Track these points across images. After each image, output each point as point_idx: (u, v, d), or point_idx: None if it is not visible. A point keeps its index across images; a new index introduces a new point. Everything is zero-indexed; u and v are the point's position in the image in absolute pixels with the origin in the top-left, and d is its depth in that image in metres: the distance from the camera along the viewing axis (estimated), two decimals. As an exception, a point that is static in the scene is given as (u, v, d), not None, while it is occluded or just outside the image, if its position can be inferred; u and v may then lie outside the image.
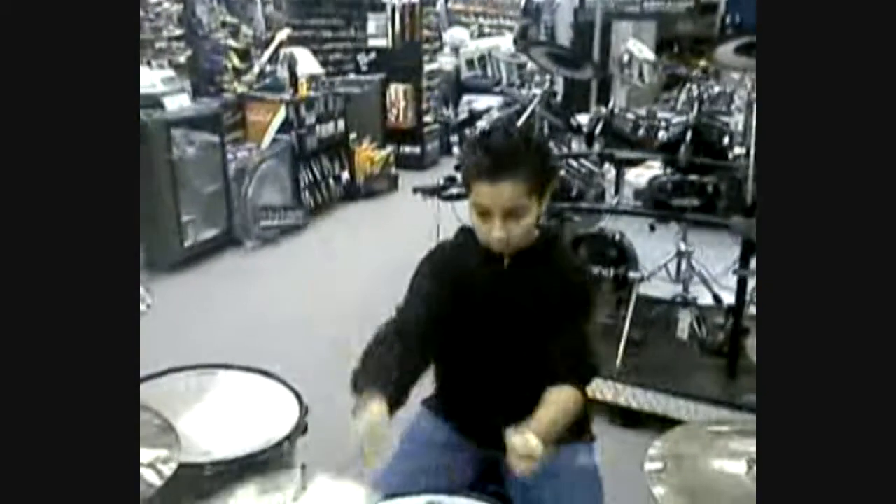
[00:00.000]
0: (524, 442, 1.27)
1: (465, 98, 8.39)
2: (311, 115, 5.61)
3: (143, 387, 1.55)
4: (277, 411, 1.52)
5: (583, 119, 3.68)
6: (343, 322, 3.75)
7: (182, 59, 5.00)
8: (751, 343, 2.87)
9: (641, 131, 3.17)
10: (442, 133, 8.01)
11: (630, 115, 3.28)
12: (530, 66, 8.44)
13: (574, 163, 3.31)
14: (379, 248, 4.92)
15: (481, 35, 10.47)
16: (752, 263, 2.70)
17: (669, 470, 1.19)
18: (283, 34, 5.84)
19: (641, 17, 6.18)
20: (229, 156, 4.94)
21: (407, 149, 7.44)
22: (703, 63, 4.42)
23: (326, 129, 5.87)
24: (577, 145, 3.74)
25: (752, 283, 2.81)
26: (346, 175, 6.20)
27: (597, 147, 3.20)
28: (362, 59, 7.32)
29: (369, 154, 6.54)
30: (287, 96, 5.40)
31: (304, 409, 1.51)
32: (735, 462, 1.20)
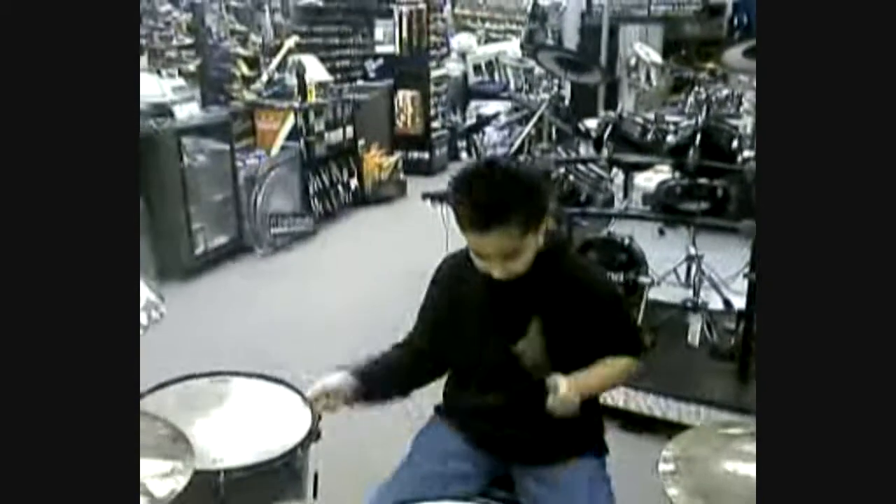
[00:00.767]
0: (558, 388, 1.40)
1: (473, 103, 8.44)
2: (319, 122, 5.64)
3: (156, 394, 1.56)
4: (290, 418, 1.53)
5: (591, 123, 3.69)
6: (354, 327, 3.77)
7: (192, 67, 5.03)
8: (762, 347, 2.85)
9: (650, 135, 3.17)
10: (450, 139, 8.02)
11: (638, 119, 3.28)
12: (538, 70, 8.47)
13: (582, 168, 3.32)
14: (388, 254, 4.94)
15: (488, 40, 10.49)
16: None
17: (682, 471, 1.20)
18: (291, 42, 5.87)
19: (648, 20, 6.18)
20: (239, 163, 4.97)
21: (415, 155, 7.46)
22: (710, 66, 4.42)
23: (335, 136, 5.90)
24: (585, 150, 3.75)
25: (762, 287, 2.80)
26: (354, 182, 6.22)
27: (605, 152, 3.19)
28: (370, 65, 7.35)
29: (378, 160, 6.56)
30: (296, 104, 5.42)
31: (316, 417, 1.52)
32: (747, 464, 1.21)
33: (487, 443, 1.58)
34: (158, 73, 4.73)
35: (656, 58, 3.92)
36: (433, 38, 7.62)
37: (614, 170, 3.39)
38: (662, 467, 1.22)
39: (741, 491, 1.15)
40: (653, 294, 3.12)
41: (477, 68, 9.05)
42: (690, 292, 3.27)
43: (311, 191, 5.60)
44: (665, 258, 3.35)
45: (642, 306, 3.04)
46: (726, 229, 2.87)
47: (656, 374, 2.91)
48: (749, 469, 1.20)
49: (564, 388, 1.39)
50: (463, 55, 8.92)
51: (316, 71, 5.87)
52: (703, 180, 2.94)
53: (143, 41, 4.70)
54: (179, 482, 1.14)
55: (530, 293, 1.47)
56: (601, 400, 1.66)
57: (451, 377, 1.62)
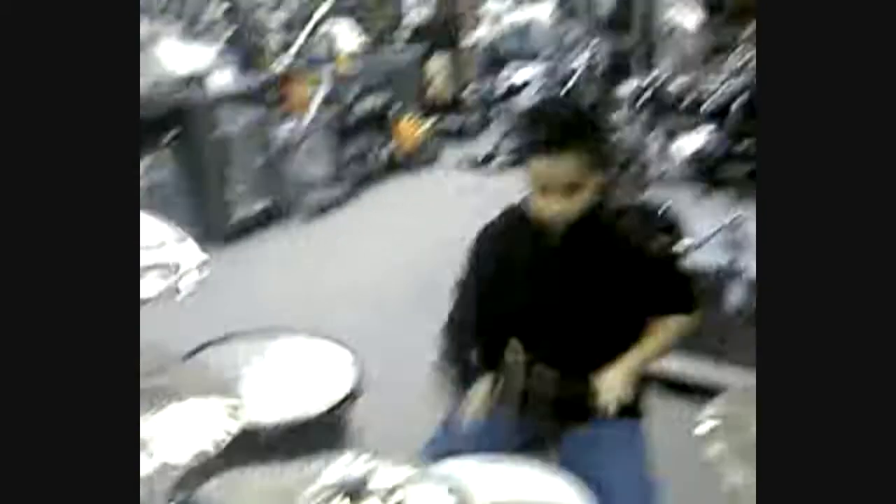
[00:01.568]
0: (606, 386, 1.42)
1: (506, 69, 8.32)
2: (352, 88, 5.64)
3: (205, 352, 1.61)
4: (334, 375, 1.57)
5: (627, 88, 3.63)
6: (390, 291, 3.82)
7: (226, 36, 5.05)
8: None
9: (688, 99, 3.11)
10: (482, 105, 7.95)
11: (676, 83, 3.22)
12: (571, 35, 8.31)
13: (619, 132, 3.27)
14: (421, 220, 4.95)
15: (521, 4, 10.30)
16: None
17: (721, 432, 1.20)
18: (324, 7, 5.84)
19: (687, -19, 6.00)
20: (274, 130, 5.00)
21: (448, 121, 7.42)
22: (751, 27, 4.29)
23: (368, 103, 5.89)
24: (621, 115, 3.69)
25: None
26: (388, 148, 6.22)
27: (642, 116, 3.15)
28: (402, 30, 7.29)
29: (411, 127, 6.54)
30: (329, 70, 5.42)
31: (359, 374, 1.55)
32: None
33: (529, 404, 1.60)
34: (194, 41, 4.76)
35: (695, 19, 3.82)
36: (466, 2, 7.51)
37: (651, 134, 3.34)
38: (701, 428, 1.22)
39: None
40: (691, 259, 3.09)
41: (509, 33, 8.91)
42: (729, 258, 3.23)
43: (344, 157, 5.62)
44: (704, 223, 3.31)
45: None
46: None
47: (694, 338, 2.89)
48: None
49: (617, 391, 1.40)
50: (495, 20, 8.78)
51: (349, 37, 5.85)
52: (743, 144, 2.89)
53: (178, 9, 4.73)
54: (228, 434, 1.19)
55: (581, 253, 1.47)
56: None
57: (495, 338, 1.63)
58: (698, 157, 2.98)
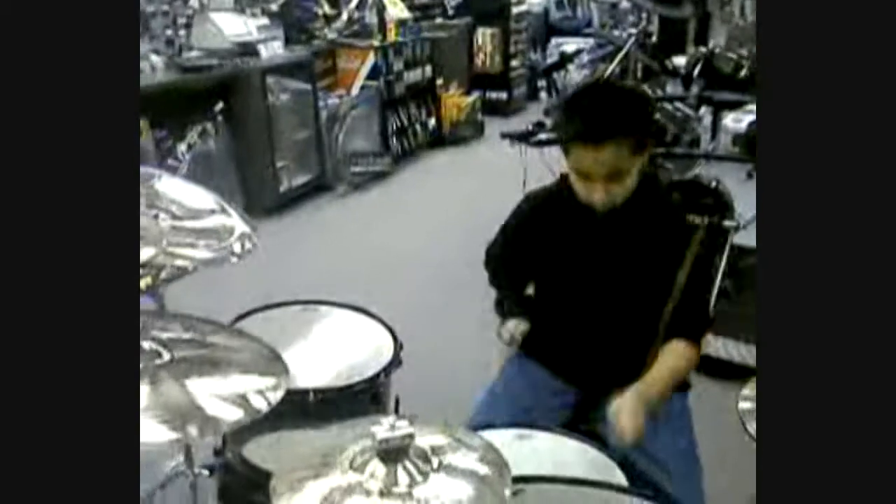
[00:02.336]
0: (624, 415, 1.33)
1: (555, 41, 8.19)
2: (398, 61, 5.63)
3: (249, 320, 1.65)
4: (374, 346, 1.60)
5: (679, 60, 3.54)
6: (432, 263, 3.85)
7: (275, 6, 5.09)
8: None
9: (743, 72, 3.03)
10: (530, 78, 7.85)
11: (730, 55, 3.14)
12: (623, 4, 8.11)
13: (669, 106, 3.20)
14: (466, 194, 4.96)
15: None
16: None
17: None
18: (372, -21, 5.83)
19: (746, -51, 5.79)
20: (321, 103, 5.04)
21: (494, 94, 7.35)
22: None
23: (414, 75, 5.88)
24: (672, 88, 3.61)
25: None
26: (432, 121, 6.21)
27: (694, 89, 3.07)
28: (449, 2, 7.23)
29: (456, 100, 6.52)
30: (376, 42, 5.42)
31: (398, 345, 1.58)
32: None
33: (576, 376, 1.60)
34: (243, 12, 4.81)
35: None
36: (514, -28, 7.40)
37: (703, 109, 3.26)
38: (743, 405, 1.21)
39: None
40: (738, 239, 3.02)
41: (559, 3, 8.74)
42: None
43: (389, 130, 5.64)
44: (753, 202, 3.23)
45: (726, 251, 2.96)
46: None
47: (737, 319, 2.85)
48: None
49: (630, 430, 1.33)
50: (545, -10, 8.62)
51: (395, 8, 5.83)
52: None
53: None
54: (274, 398, 1.22)
55: (626, 227, 1.45)
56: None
57: (540, 310, 1.63)
58: (749, 133, 2.90)
